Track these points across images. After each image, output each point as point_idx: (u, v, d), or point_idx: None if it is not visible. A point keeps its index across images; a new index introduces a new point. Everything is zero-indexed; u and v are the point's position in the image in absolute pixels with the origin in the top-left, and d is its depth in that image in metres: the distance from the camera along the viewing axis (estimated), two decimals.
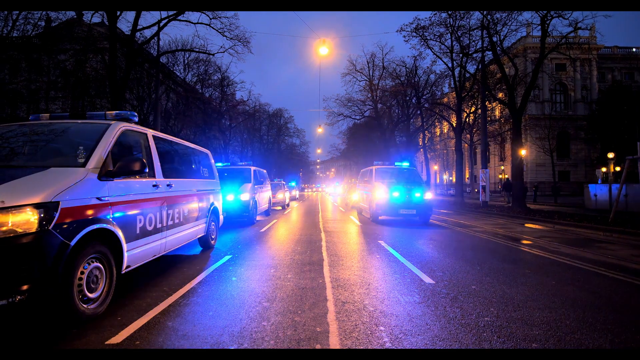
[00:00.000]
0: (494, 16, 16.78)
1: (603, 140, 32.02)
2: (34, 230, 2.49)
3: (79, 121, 3.85)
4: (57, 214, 2.64)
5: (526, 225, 11.37)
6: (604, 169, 26.00)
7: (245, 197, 10.39)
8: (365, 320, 3.09)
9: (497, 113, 37.74)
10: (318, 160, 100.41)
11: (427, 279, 4.48)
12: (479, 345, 2.64)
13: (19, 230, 2.44)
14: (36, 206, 2.53)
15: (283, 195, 19.03)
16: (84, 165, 3.13)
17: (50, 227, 2.58)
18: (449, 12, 19.04)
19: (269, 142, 48.62)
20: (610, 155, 22.04)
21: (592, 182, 22.62)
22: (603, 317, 3.25)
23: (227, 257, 5.74)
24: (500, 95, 24.55)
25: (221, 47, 19.43)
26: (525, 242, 7.82)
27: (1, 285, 2.38)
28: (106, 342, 2.62)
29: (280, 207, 18.89)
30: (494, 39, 17.12)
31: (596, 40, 30.55)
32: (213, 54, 21.55)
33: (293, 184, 34.41)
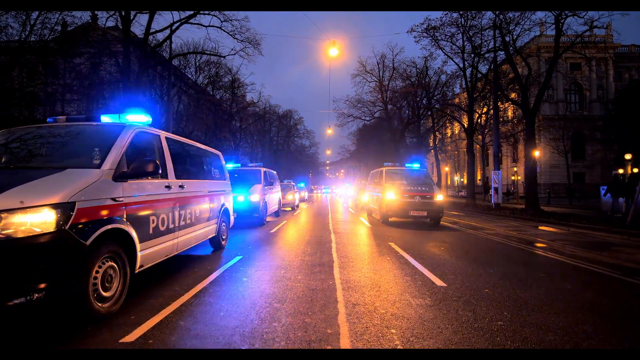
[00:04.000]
0: (507, 16, 16.53)
1: (620, 141, 31.18)
2: (51, 230, 2.54)
3: (94, 123, 3.94)
4: (74, 214, 2.70)
5: (540, 227, 11.16)
6: (621, 171, 25.33)
7: (255, 198, 10.46)
8: (376, 323, 3.07)
9: (509, 114, 37.14)
10: (327, 162, 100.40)
11: (439, 282, 4.43)
12: None
13: (37, 229, 2.50)
14: (53, 206, 2.59)
15: (293, 197, 19.09)
16: (99, 166, 3.19)
17: (66, 227, 2.63)
18: (461, 12, 18.85)
19: (278, 143, 48.84)
20: (628, 156, 21.50)
21: None
22: (621, 323, 3.17)
23: (237, 258, 5.77)
24: (512, 95, 24.11)
25: (232, 49, 19.59)
26: (539, 245, 7.67)
27: (19, 284, 2.43)
28: (120, 341, 2.65)
29: (290, 208, 18.95)
30: (507, 38, 16.85)
31: (612, 39, 29.84)
32: (224, 57, 21.77)
33: (302, 185, 34.44)
